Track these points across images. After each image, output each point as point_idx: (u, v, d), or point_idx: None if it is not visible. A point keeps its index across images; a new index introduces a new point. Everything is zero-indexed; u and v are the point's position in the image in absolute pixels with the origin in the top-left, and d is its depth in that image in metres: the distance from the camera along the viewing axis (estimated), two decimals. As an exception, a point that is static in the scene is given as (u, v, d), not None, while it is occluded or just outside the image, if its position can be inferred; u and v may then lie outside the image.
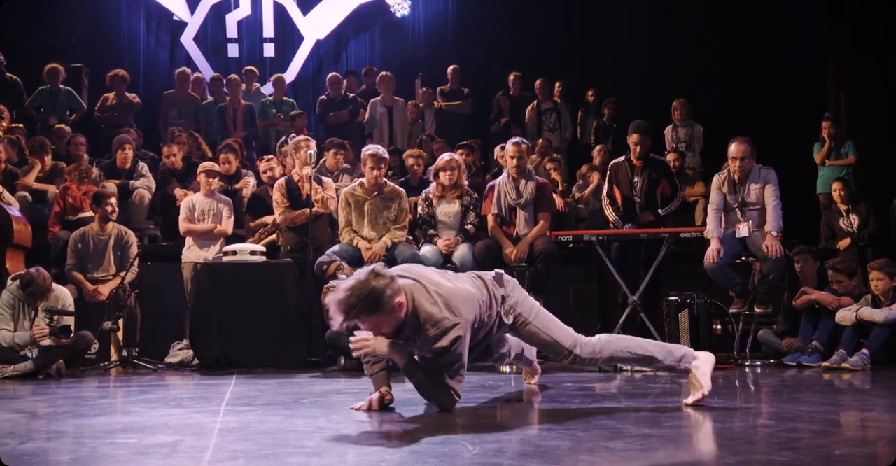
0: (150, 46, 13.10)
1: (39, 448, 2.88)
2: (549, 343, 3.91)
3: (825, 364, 5.97)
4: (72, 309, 6.21)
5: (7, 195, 7.16)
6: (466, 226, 6.80)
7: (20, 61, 10.45)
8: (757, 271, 6.44)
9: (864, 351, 5.88)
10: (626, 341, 4.03)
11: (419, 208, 6.95)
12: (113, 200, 7.15)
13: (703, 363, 3.78)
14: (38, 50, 11.10)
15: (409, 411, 3.71)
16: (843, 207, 8.11)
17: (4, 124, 8.17)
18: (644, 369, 5.56)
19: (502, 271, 3.95)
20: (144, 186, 8.34)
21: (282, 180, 7.14)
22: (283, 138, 8.85)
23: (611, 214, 6.96)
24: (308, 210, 6.73)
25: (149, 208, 8.32)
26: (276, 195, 7.05)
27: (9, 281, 6.20)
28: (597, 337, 3.98)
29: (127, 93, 10.38)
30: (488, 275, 3.88)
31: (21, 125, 9.41)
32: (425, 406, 3.77)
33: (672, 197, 6.87)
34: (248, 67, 11.50)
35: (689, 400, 3.71)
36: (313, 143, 7.14)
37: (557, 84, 11.04)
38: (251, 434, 3.05)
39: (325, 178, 7.34)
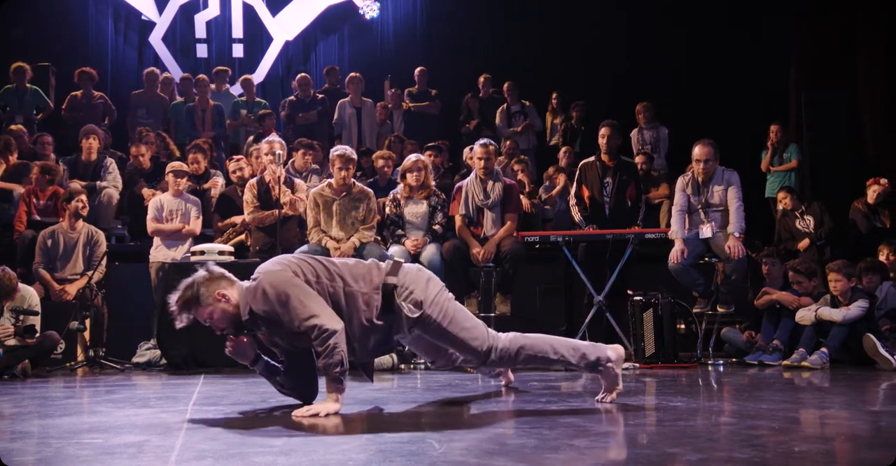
0: (119, 46, 13.01)
1: (3, 448, 2.84)
2: (461, 345, 3.74)
3: (785, 362, 6.08)
4: (38, 308, 6.16)
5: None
6: (434, 227, 6.84)
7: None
8: (720, 271, 6.54)
9: (823, 349, 6.00)
10: (540, 345, 3.86)
11: (387, 208, 6.97)
12: (83, 197, 7.11)
13: (615, 364, 3.80)
14: (4, 48, 10.97)
15: (376, 410, 3.74)
16: (796, 211, 8.27)
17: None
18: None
19: (401, 261, 3.79)
20: (112, 185, 8.28)
21: (253, 180, 7.14)
22: (251, 138, 8.84)
23: (576, 215, 7.03)
24: (277, 211, 6.74)
25: (117, 208, 8.26)
26: (247, 195, 7.05)
27: (-27, 282, 6.14)
28: (508, 336, 3.82)
29: (94, 93, 10.30)
30: (384, 263, 3.77)
31: None
32: (396, 406, 3.79)
33: (637, 201, 6.97)
34: (220, 68, 11.46)
35: (604, 398, 3.80)
36: (278, 145, 7.12)
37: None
38: (218, 434, 3.05)
39: (297, 180, 7.34)
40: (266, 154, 7.09)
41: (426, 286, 3.70)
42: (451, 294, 3.82)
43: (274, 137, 7.41)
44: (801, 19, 10.78)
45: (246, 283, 3.61)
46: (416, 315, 3.62)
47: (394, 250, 6.65)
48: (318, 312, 3.47)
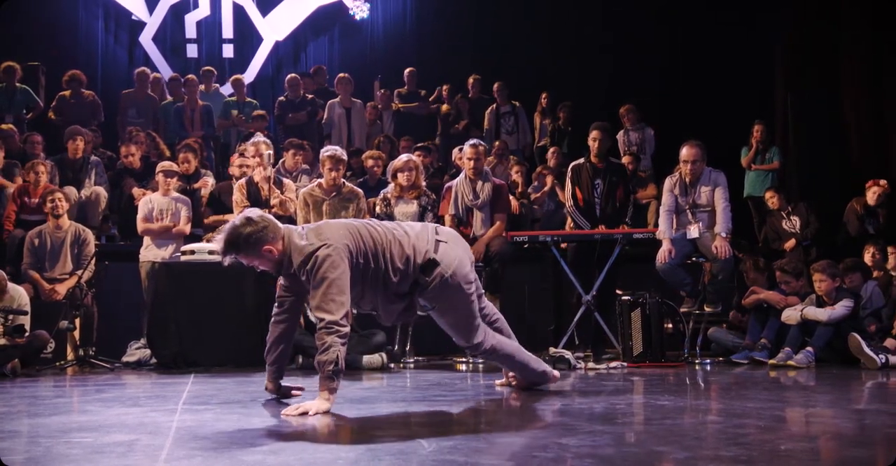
0: (109, 45, 12.97)
1: (-3, 447, 2.87)
2: (465, 326, 4.07)
3: (772, 361, 6.12)
4: (27, 308, 6.15)
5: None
6: (424, 227, 6.85)
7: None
8: (707, 271, 6.58)
9: (809, 349, 6.04)
10: (514, 345, 4.30)
11: (377, 208, 6.99)
12: (58, 196, 7.09)
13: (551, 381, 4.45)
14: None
15: (365, 410, 3.76)
16: (782, 211, 8.33)
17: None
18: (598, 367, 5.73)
19: (445, 241, 3.99)
20: (99, 184, 8.29)
21: (242, 181, 7.15)
22: (242, 139, 8.85)
23: (580, 219, 6.92)
24: (266, 211, 6.72)
25: (106, 207, 8.26)
26: (237, 195, 7.05)
27: (-37, 281, 6.14)
28: (492, 333, 4.20)
29: (84, 92, 10.28)
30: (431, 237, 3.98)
31: None
32: (386, 405, 3.81)
33: (626, 201, 7.01)
34: (206, 68, 11.44)
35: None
36: (263, 145, 7.11)
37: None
38: (208, 433, 3.06)
39: (285, 181, 7.35)
40: (252, 155, 7.09)
41: (460, 265, 3.94)
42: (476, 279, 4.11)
43: (259, 138, 7.41)
44: (787, 18, 10.82)
45: (302, 240, 3.68)
46: (446, 293, 3.90)
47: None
48: (335, 309, 3.56)
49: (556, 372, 4.50)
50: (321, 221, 4.19)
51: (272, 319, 4.02)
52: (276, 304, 4.01)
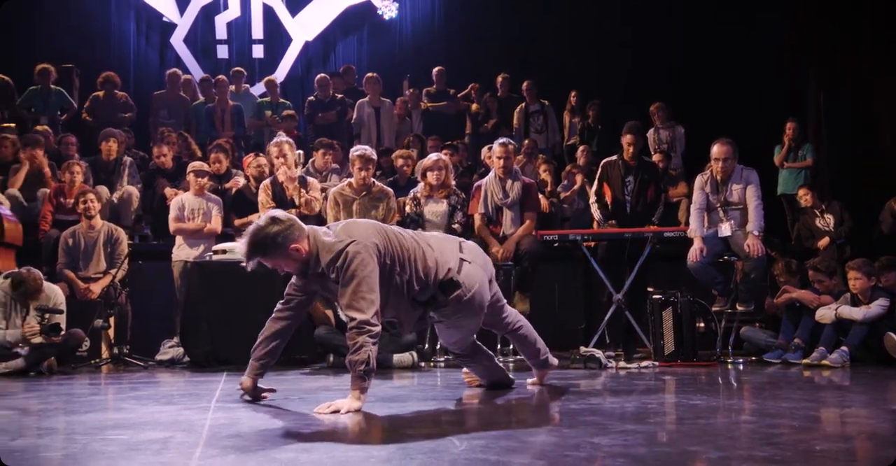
0: (141, 47, 13.11)
1: (31, 444, 2.90)
2: (460, 338, 4.17)
3: (805, 361, 6.06)
4: (63, 307, 6.22)
5: (-3, 194, 7.19)
6: (453, 226, 6.86)
7: (10, 62, 10.45)
8: (739, 270, 6.53)
9: (844, 348, 5.97)
10: (489, 354, 4.45)
11: (407, 208, 7.00)
12: (90, 197, 7.18)
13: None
14: (29, 50, 11.10)
15: (396, 408, 3.77)
16: (816, 209, 8.24)
17: (-6, 123, 8.20)
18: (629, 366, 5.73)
19: (468, 261, 3.99)
20: (132, 184, 8.38)
21: (267, 181, 7.17)
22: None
23: (596, 213, 7.04)
24: (292, 212, 6.76)
25: (139, 207, 8.35)
26: (262, 196, 7.08)
27: (0, 280, 6.23)
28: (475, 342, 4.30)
29: (117, 93, 10.40)
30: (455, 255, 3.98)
31: (13, 125, 9.42)
32: (417, 403, 3.82)
33: (657, 200, 6.98)
34: (236, 68, 11.52)
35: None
36: (286, 145, 7.11)
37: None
38: (240, 431, 3.08)
39: (310, 179, 7.36)
40: (276, 156, 7.10)
41: (480, 289, 3.94)
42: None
43: (283, 137, 7.43)
44: (820, 15, 10.70)
45: (328, 238, 3.65)
46: (459, 313, 3.93)
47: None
48: (366, 307, 3.53)
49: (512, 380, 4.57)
50: (347, 220, 4.16)
51: (273, 314, 3.95)
52: (281, 301, 3.95)
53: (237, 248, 3.71)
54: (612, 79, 11.82)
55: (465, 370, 4.68)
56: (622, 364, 5.91)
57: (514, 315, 4.39)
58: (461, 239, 4.21)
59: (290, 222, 3.65)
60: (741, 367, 6.10)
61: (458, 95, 11.31)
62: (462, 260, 3.91)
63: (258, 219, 3.72)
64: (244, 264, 3.67)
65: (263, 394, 4.02)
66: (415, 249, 3.79)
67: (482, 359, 4.39)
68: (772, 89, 10.95)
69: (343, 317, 3.68)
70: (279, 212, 3.75)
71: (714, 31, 11.52)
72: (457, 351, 4.30)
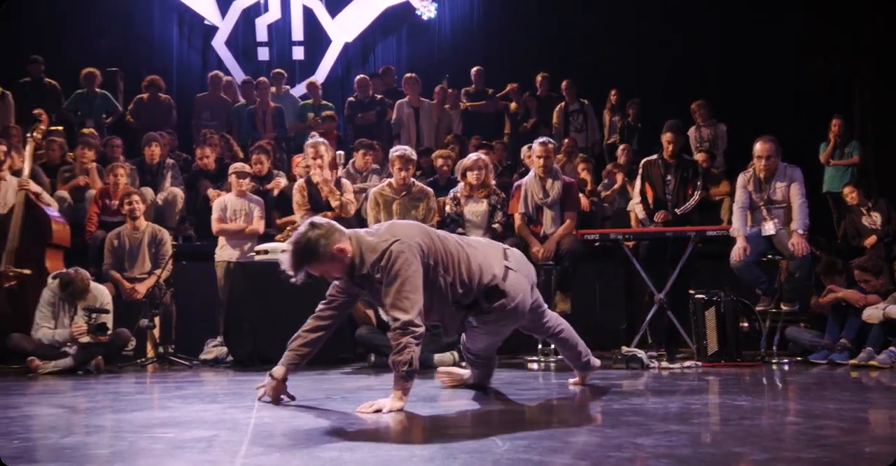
0: (183, 50, 13.28)
1: (80, 442, 2.94)
2: (489, 342, 4.21)
3: (853, 361, 5.96)
4: (109, 307, 6.34)
5: (46, 196, 7.31)
6: (494, 225, 6.85)
7: (57, 66, 10.65)
8: (783, 269, 6.44)
9: (892, 348, 5.85)
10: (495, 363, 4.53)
11: (447, 207, 7.01)
12: (135, 199, 7.28)
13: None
14: (75, 55, 11.30)
15: (438, 408, 3.77)
16: (862, 207, 8.11)
17: (43, 127, 8.34)
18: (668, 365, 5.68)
19: (514, 270, 3.96)
20: (175, 186, 8.50)
21: (301, 181, 7.17)
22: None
23: (641, 212, 7.00)
24: (328, 214, 6.77)
25: (183, 208, 8.46)
26: (297, 197, 7.10)
27: (49, 280, 6.36)
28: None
29: (161, 96, 10.55)
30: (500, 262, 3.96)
31: (61, 128, 9.61)
32: (459, 403, 3.82)
33: (692, 196, 6.91)
34: (277, 70, 11.62)
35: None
36: (322, 147, 7.08)
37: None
38: (284, 430, 3.12)
39: (344, 181, 7.26)
40: (313, 157, 7.11)
41: (524, 298, 3.93)
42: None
43: (318, 138, 7.46)
44: (865, 10, 10.52)
45: (372, 238, 3.64)
46: (501, 321, 3.94)
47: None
48: (410, 307, 3.53)
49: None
50: (391, 220, 4.16)
51: (314, 313, 3.92)
52: (323, 301, 3.93)
53: (282, 260, 3.64)
54: (651, 78, 11.75)
55: (440, 369, 4.73)
56: (664, 364, 5.86)
57: (554, 319, 4.36)
58: (505, 245, 4.19)
59: (329, 225, 3.64)
60: (786, 368, 6.01)
61: (497, 95, 11.30)
62: (507, 267, 3.89)
63: (298, 227, 3.70)
64: (292, 278, 3.61)
65: (284, 395, 3.92)
66: (459, 252, 3.77)
67: (492, 365, 4.45)
68: (816, 85, 10.78)
69: (384, 317, 3.68)
70: (317, 218, 3.74)
71: (755, 27, 11.39)
72: (479, 356, 4.29)
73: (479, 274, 3.78)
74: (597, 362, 4.61)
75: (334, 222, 3.72)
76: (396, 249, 3.55)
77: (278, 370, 3.91)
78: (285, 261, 3.60)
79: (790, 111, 10.40)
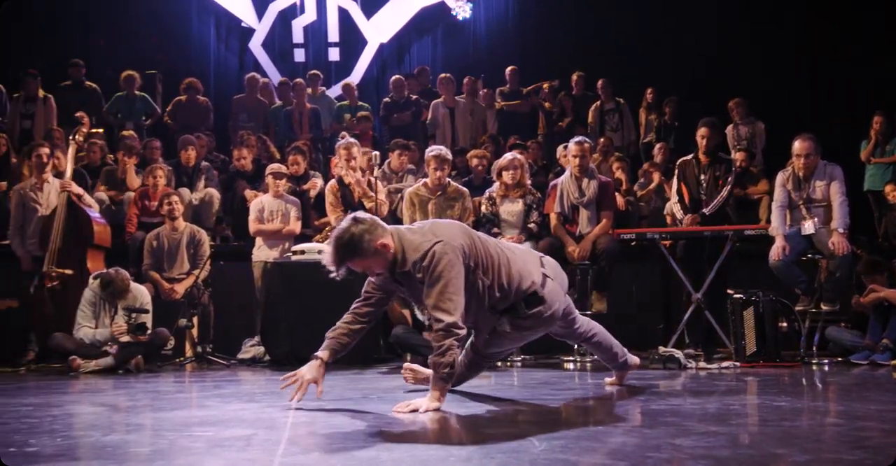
0: (220, 52, 13.43)
1: (121, 440, 2.98)
2: (508, 345, 4.18)
3: (895, 362, 5.88)
4: (149, 307, 6.42)
5: (87, 197, 7.43)
6: (529, 225, 6.84)
7: (98, 69, 10.82)
8: (823, 268, 6.36)
9: (936, 349, 5.78)
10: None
11: (483, 207, 7.01)
12: (174, 199, 7.37)
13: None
14: (114, 58, 11.47)
15: (474, 408, 3.78)
16: (903, 205, 8.01)
17: (85, 130, 8.47)
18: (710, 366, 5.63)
19: (550, 278, 3.95)
20: (209, 187, 8.59)
21: (333, 182, 7.21)
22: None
23: (679, 212, 6.93)
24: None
25: (220, 209, 8.55)
26: (330, 198, 7.13)
27: (90, 281, 6.46)
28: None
29: (199, 98, 10.67)
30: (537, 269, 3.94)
31: (101, 130, 9.76)
32: (495, 403, 3.82)
33: (724, 192, 6.81)
34: (313, 71, 11.69)
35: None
36: (355, 148, 7.07)
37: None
38: (322, 429, 3.13)
39: (375, 181, 7.31)
40: (346, 159, 7.13)
41: (559, 307, 3.95)
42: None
43: (350, 139, 7.48)
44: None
45: (414, 236, 3.62)
46: (534, 328, 3.94)
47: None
48: (453, 309, 3.52)
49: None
50: (433, 219, 4.14)
51: (351, 310, 3.88)
52: (359, 299, 3.90)
53: (323, 257, 3.62)
54: (688, 76, 11.65)
55: (406, 365, 4.61)
56: (702, 364, 5.81)
57: (585, 324, 4.33)
58: (542, 254, 4.18)
59: (372, 220, 3.62)
60: (826, 368, 5.93)
61: (526, 89, 11.25)
62: (545, 275, 3.89)
63: (340, 223, 3.67)
64: (333, 274, 3.59)
65: (317, 382, 3.79)
66: (499, 256, 3.76)
67: (482, 369, 4.39)
68: (857, 83, 10.62)
69: (420, 317, 3.68)
70: (360, 213, 3.70)
71: (792, 24, 11.25)
72: (485, 357, 4.19)
73: (519, 280, 3.77)
74: (635, 359, 4.58)
75: (377, 218, 3.70)
76: (440, 250, 3.53)
77: (322, 354, 3.84)
78: (327, 257, 3.57)
79: (829, 108, 10.25)
